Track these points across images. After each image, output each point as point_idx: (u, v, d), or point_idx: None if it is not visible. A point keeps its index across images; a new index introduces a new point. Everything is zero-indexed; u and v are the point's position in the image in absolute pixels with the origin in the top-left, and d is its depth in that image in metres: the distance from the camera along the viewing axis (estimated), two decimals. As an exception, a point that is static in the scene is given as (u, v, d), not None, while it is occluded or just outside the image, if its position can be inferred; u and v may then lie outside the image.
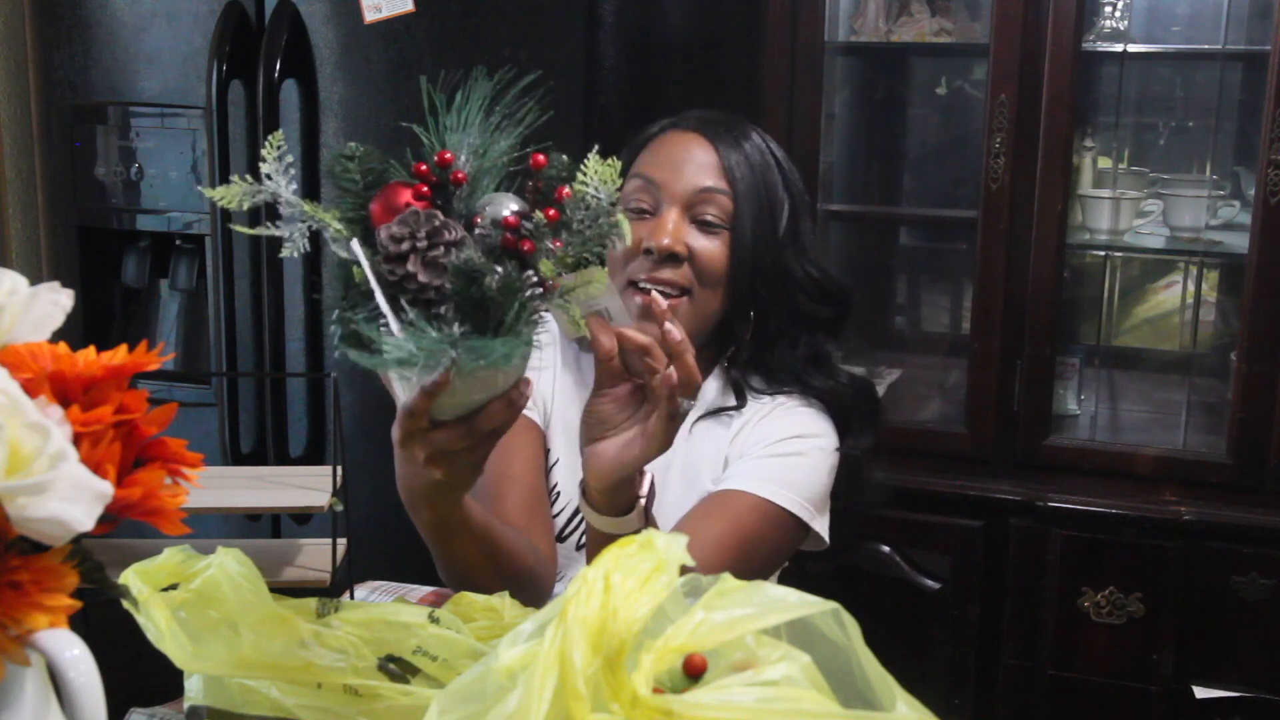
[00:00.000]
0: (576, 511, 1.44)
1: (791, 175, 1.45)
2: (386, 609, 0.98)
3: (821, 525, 1.40)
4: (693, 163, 1.39)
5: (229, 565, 0.95)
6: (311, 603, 0.99)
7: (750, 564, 1.34)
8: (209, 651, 0.93)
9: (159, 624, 0.92)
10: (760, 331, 1.42)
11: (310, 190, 2.05)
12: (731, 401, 1.45)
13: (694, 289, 1.38)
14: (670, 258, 1.37)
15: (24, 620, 0.69)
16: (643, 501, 1.18)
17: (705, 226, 1.38)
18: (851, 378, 1.48)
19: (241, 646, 0.93)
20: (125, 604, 0.89)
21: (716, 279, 1.38)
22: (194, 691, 0.98)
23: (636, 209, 1.40)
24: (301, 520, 2.08)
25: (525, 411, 1.44)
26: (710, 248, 1.38)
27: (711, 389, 1.47)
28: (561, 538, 1.46)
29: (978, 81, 2.43)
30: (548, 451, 1.48)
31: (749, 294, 1.39)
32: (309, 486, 1.28)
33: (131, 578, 0.94)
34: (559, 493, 1.47)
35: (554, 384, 1.50)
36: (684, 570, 0.74)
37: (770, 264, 1.39)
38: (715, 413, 1.45)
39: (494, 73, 2.03)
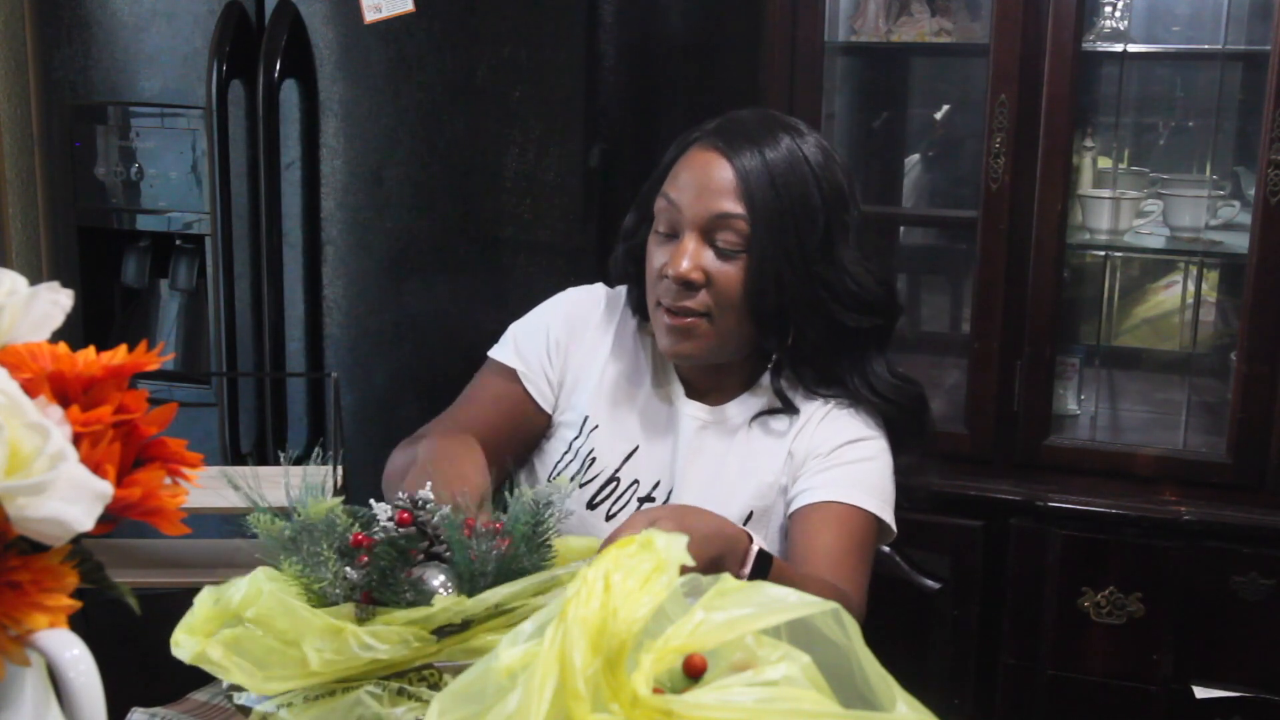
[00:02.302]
0: (610, 480, 1.47)
1: (830, 181, 1.40)
2: (415, 613, 1.02)
3: (893, 520, 1.43)
4: (709, 187, 1.37)
5: (267, 586, 1.02)
6: (348, 608, 1.04)
7: (866, 566, 1.38)
8: (279, 672, 0.98)
9: (222, 663, 0.98)
10: (798, 344, 1.43)
11: (311, 194, 2.05)
12: (779, 407, 1.46)
13: (714, 312, 1.39)
14: (688, 284, 1.37)
15: (24, 620, 0.69)
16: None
17: (721, 253, 1.38)
18: (898, 391, 1.47)
19: (307, 661, 0.97)
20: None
21: (734, 303, 1.38)
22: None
23: (663, 232, 1.41)
24: (301, 520, 2.08)
25: (528, 370, 1.50)
26: (727, 272, 1.37)
27: (755, 403, 1.48)
28: (593, 505, 1.47)
29: (977, 81, 2.43)
30: (586, 419, 1.49)
31: (775, 313, 1.39)
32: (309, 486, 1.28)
33: (183, 639, 1.00)
34: (594, 459, 1.48)
35: (607, 349, 1.51)
36: (682, 570, 0.73)
37: (796, 281, 1.38)
38: (768, 413, 1.46)
39: (494, 73, 2.04)
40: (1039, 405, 2.17)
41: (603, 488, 1.47)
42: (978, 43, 2.33)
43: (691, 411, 1.47)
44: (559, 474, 1.49)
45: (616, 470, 1.47)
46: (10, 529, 0.68)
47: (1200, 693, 2.07)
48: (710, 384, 1.49)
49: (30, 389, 0.71)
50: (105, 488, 0.69)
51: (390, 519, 1.11)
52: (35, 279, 0.76)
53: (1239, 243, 2.14)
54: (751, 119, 1.43)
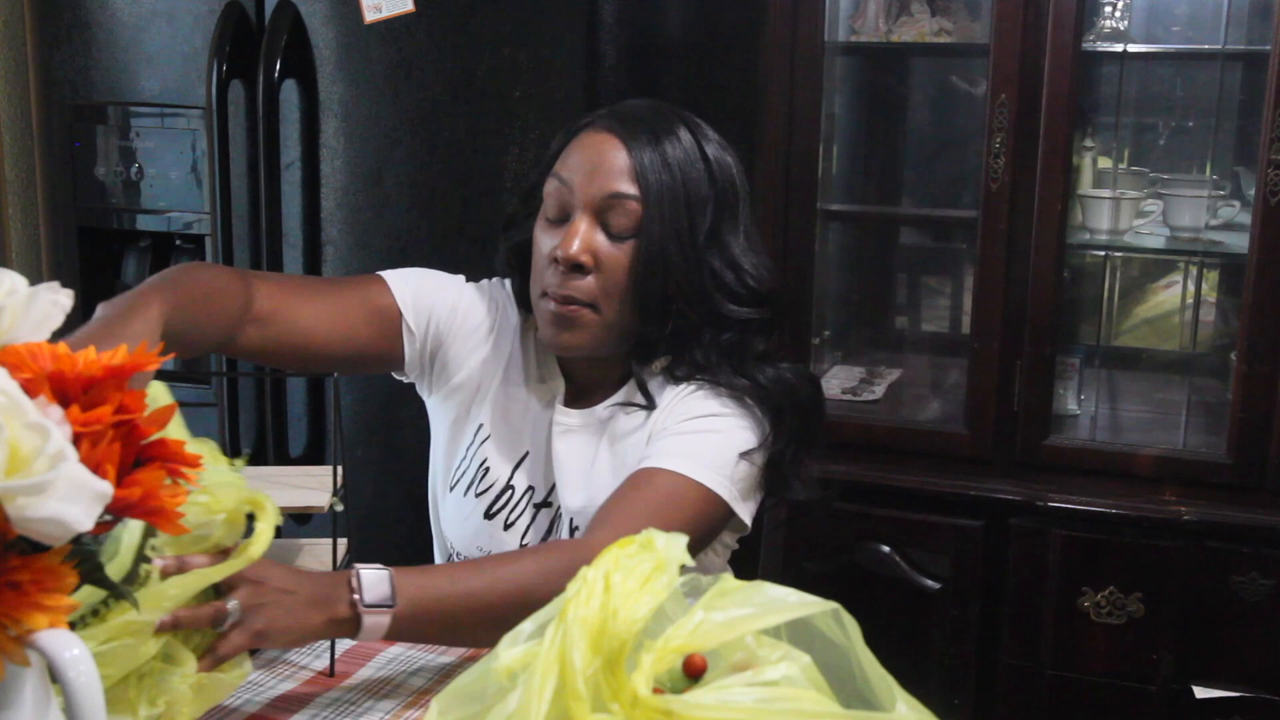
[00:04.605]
0: (505, 489, 1.44)
1: (721, 171, 1.38)
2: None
3: (743, 509, 1.36)
4: (602, 167, 1.34)
5: None
6: None
7: (674, 529, 1.28)
8: None
9: None
10: (677, 331, 1.38)
11: (311, 194, 2.05)
12: (639, 399, 1.41)
13: (599, 302, 1.35)
14: (577, 268, 1.34)
15: (24, 620, 0.69)
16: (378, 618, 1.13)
17: (613, 236, 1.35)
18: (779, 375, 1.41)
19: None
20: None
21: (621, 290, 1.35)
22: None
23: (552, 217, 1.37)
24: (301, 520, 2.08)
25: (412, 312, 1.43)
26: (616, 256, 1.34)
27: (619, 399, 1.44)
28: (490, 514, 1.45)
29: (977, 81, 2.43)
30: (480, 427, 1.46)
31: (659, 300, 1.35)
32: (309, 486, 1.28)
33: None
34: (488, 468, 1.45)
35: (505, 355, 1.47)
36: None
37: (683, 267, 1.34)
38: (625, 405, 1.42)
39: (494, 73, 2.04)
40: (1039, 405, 2.17)
41: (498, 496, 1.45)
42: (978, 43, 2.33)
43: (558, 418, 1.43)
44: (457, 481, 1.47)
45: (510, 478, 1.44)
46: (10, 529, 0.68)
47: (1200, 693, 2.07)
48: (593, 381, 1.44)
49: (30, 389, 0.71)
50: (105, 488, 0.69)
51: None
52: (35, 279, 0.77)
53: (1239, 243, 2.14)
54: (646, 107, 1.41)
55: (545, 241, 1.37)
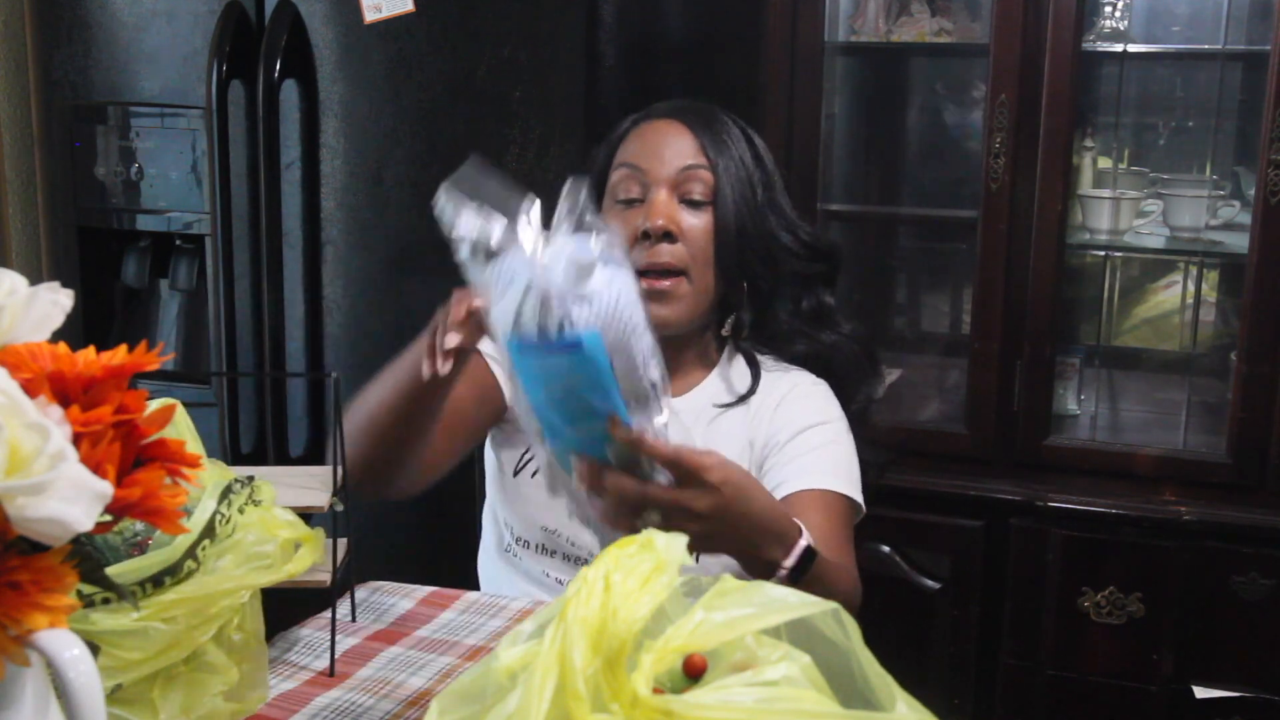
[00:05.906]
0: None
1: (762, 149, 1.52)
2: None
3: (862, 501, 1.47)
4: (672, 146, 1.47)
5: None
6: None
7: (851, 545, 1.42)
8: None
9: None
10: (755, 298, 1.50)
11: (311, 194, 2.05)
12: (745, 377, 1.51)
13: (690, 269, 1.45)
14: (665, 236, 1.44)
15: (24, 620, 0.69)
16: (783, 574, 1.18)
17: (692, 204, 1.46)
18: (854, 330, 1.56)
19: None
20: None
21: (707, 256, 1.45)
22: None
23: (625, 199, 1.47)
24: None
25: (494, 351, 1.47)
26: (698, 224, 1.45)
27: (710, 392, 1.53)
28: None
29: (977, 81, 2.43)
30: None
31: (738, 263, 1.47)
32: (309, 486, 1.28)
33: None
34: None
35: None
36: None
37: (755, 231, 1.47)
38: (723, 403, 1.51)
39: (494, 73, 2.04)
40: (1039, 405, 2.17)
41: None
42: (978, 43, 2.33)
43: None
44: (524, 464, 1.53)
45: None
46: (10, 529, 0.68)
47: (1200, 693, 2.07)
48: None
49: (30, 389, 0.71)
50: (105, 488, 0.69)
51: None
52: (35, 279, 0.76)
53: (1239, 243, 2.14)
54: (683, 102, 1.55)
55: (620, 224, 1.46)
